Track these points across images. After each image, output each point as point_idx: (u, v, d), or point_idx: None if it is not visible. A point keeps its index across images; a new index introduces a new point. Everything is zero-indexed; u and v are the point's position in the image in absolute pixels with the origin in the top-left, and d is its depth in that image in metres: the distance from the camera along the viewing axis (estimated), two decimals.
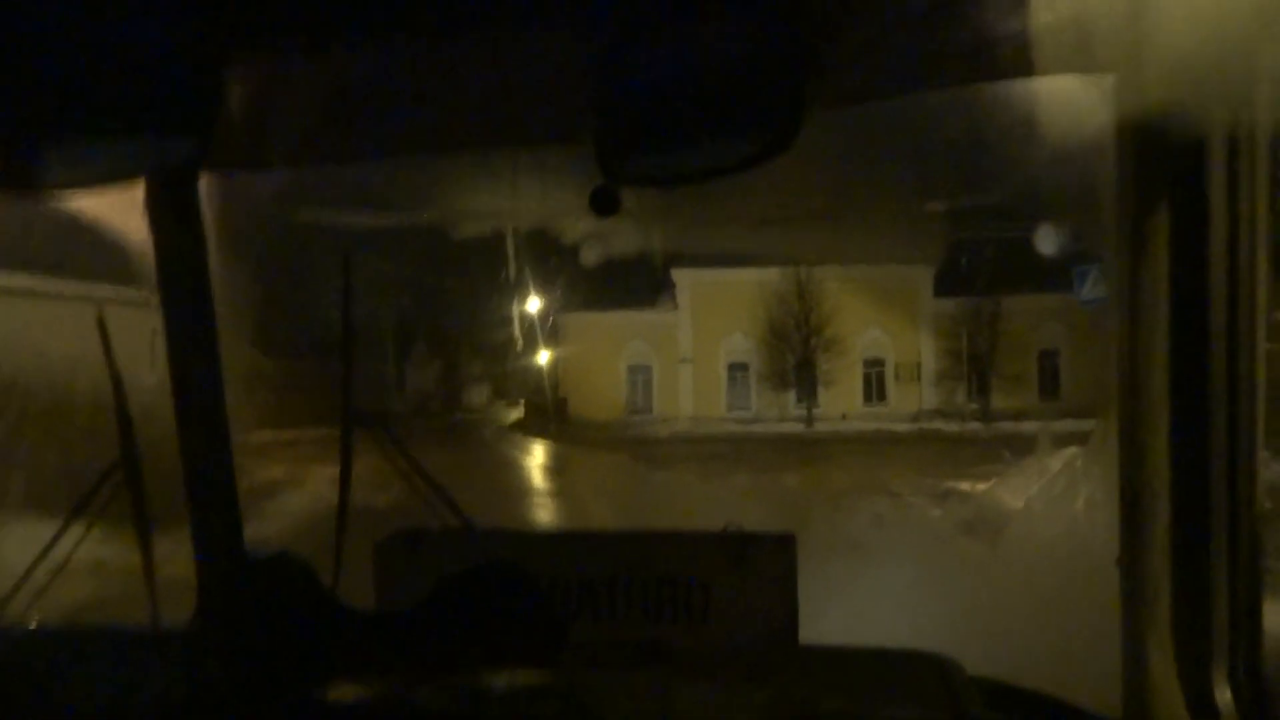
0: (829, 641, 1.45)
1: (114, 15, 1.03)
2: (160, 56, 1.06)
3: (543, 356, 30.72)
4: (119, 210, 1.65)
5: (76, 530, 1.65)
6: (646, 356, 31.10)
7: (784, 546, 1.44)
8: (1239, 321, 1.01)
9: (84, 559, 1.67)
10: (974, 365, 29.14)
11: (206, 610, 1.48)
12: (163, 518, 1.67)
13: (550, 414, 28.58)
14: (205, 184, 1.55)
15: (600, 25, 1.09)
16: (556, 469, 18.73)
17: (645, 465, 16.75)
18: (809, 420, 28.58)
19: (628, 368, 31.02)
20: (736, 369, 30.92)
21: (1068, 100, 1.17)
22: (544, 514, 12.44)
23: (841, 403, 29.67)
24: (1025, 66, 1.13)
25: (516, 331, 27.23)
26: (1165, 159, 1.04)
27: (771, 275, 28.08)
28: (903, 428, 26.21)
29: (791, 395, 30.00)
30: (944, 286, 29.00)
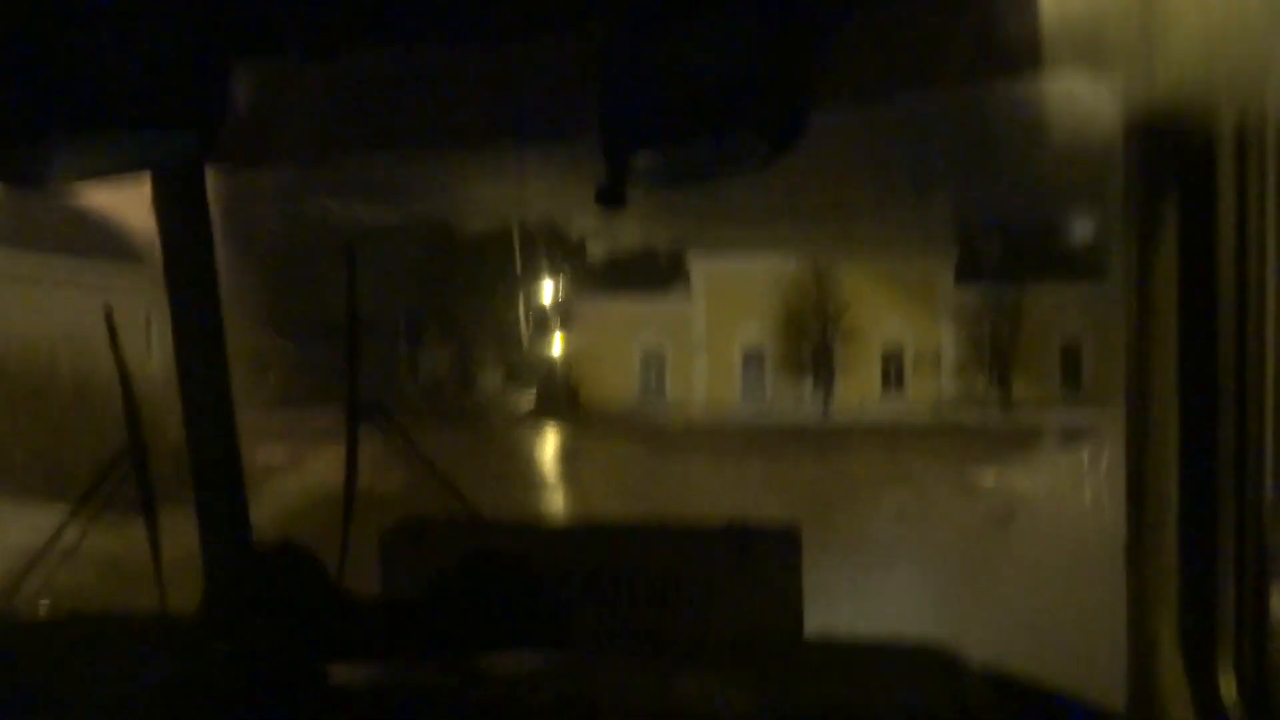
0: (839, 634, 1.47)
1: (120, 12, 1.05)
2: (166, 53, 1.08)
3: (555, 344, 30.78)
4: (112, 192, 1.68)
5: (83, 517, 1.68)
6: (660, 344, 31.06)
7: (789, 538, 1.46)
8: (1248, 315, 1.02)
9: (91, 546, 1.71)
10: (995, 354, 28.97)
11: (213, 597, 1.52)
12: (169, 504, 1.70)
13: (562, 401, 28.64)
14: (212, 177, 1.58)
15: (605, 24, 1.10)
16: (567, 458, 18.75)
17: (657, 455, 16.63)
18: (825, 410, 28.51)
19: (641, 355, 31.01)
20: (751, 357, 30.86)
21: (1077, 96, 1.18)
22: (553, 505, 12.46)
23: (859, 392, 29.55)
24: (1034, 63, 1.14)
25: (529, 319, 27.28)
26: (1174, 154, 1.05)
27: (788, 263, 27.98)
28: (922, 418, 26.12)
29: (808, 384, 29.92)
30: (965, 274, 28.83)
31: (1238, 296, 1.02)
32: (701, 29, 1.06)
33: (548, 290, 27.98)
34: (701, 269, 29.97)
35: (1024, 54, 1.14)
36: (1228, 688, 1.03)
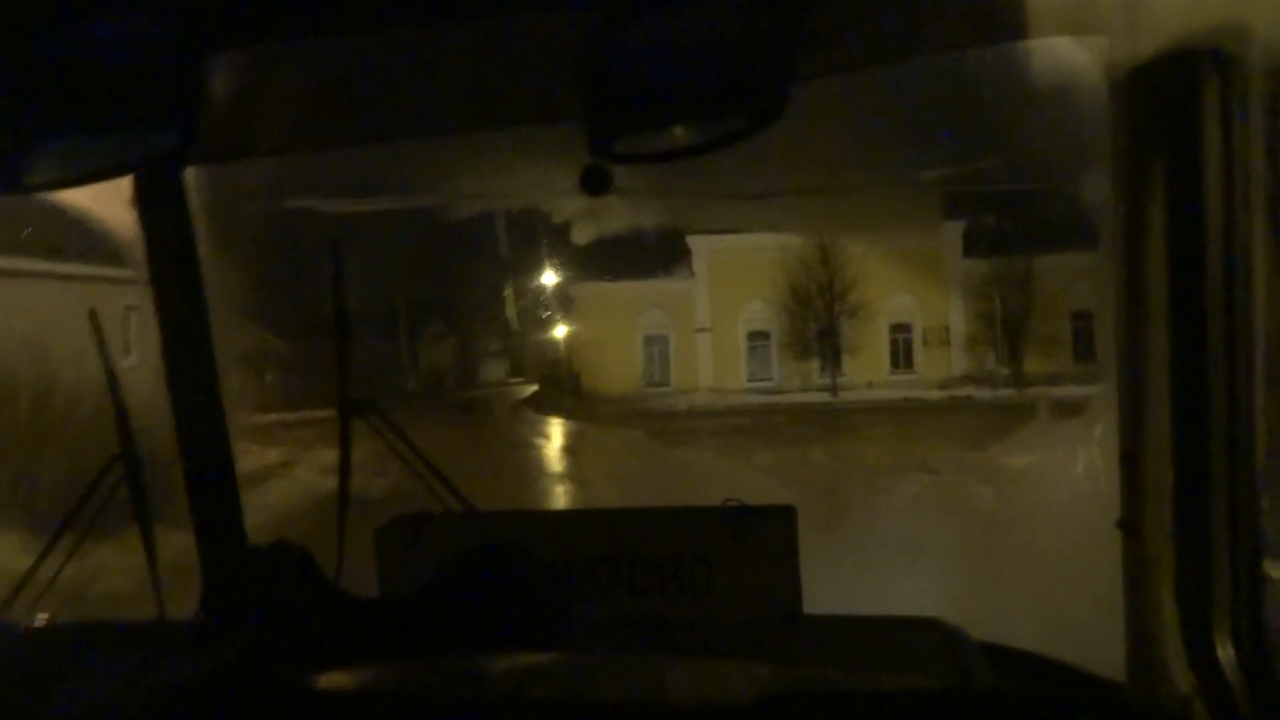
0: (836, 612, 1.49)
1: (94, 8, 1.06)
2: (142, 49, 1.09)
3: (556, 329, 30.81)
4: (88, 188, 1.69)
5: (79, 524, 1.70)
6: (663, 326, 31.08)
7: (785, 519, 1.48)
8: (1236, 280, 1.03)
9: (86, 553, 1.72)
10: (1005, 328, 28.93)
11: (209, 600, 1.54)
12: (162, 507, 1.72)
13: (564, 388, 28.69)
14: (194, 173, 1.58)
15: (586, 4, 1.11)
16: (569, 447, 18.71)
17: (662, 442, 16.53)
18: (834, 389, 28.52)
19: (643, 339, 31.03)
20: (757, 337, 30.87)
21: (1062, 60, 1.18)
22: (557, 495, 12.42)
23: (868, 370, 29.57)
24: (1019, 28, 1.15)
25: (529, 305, 27.30)
26: (1159, 117, 1.06)
27: (792, 239, 27.92)
28: (932, 395, 26.13)
29: (815, 364, 29.93)
30: (973, 247, 28.76)
31: (1225, 259, 1.03)
32: (684, 9, 1.07)
33: (546, 276, 27.98)
34: (703, 248, 29.94)
35: (1008, 20, 1.15)
36: (1225, 652, 1.05)
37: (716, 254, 30.07)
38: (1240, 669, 1.04)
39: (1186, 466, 1.06)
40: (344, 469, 1.77)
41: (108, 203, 1.69)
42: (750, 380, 30.17)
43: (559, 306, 29.77)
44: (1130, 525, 1.13)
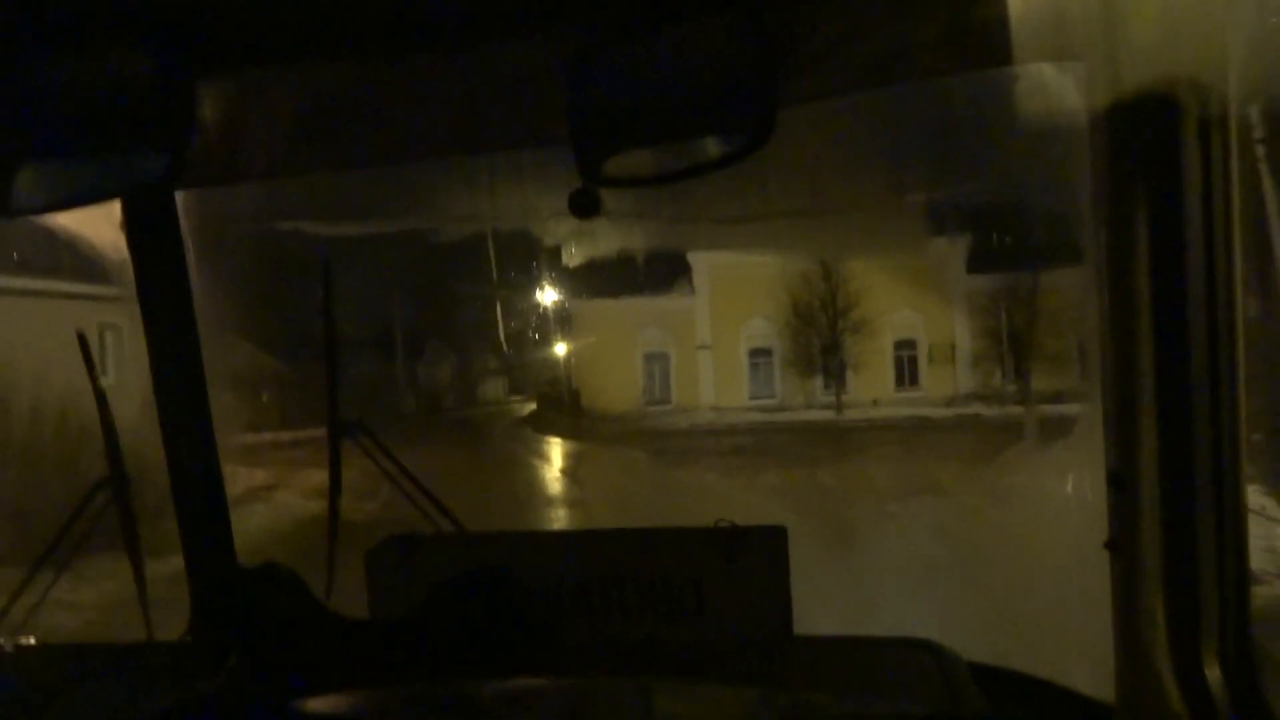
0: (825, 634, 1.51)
1: (85, 39, 1.09)
2: (131, 77, 1.13)
3: (555, 347, 30.82)
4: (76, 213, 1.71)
5: (66, 546, 1.72)
6: (663, 344, 31.09)
7: (775, 540, 1.50)
8: (1218, 301, 1.06)
9: (75, 574, 1.74)
10: (1012, 345, 28.91)
11: (198, 621, 1.56)
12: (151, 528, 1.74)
13: (563, 407, 28.65)
14: (184, 198, 1.62)
15: (573, 30, 1.15)
16: (567, 468, 18.60)
17: (663, 463, 16.41)
18: (838, 407, 28.51)
19: (644, 356, 31.04)
20: (759, 355, 30.88)
21: (1042, 87, 1.22)
22: (554, 516, 12.29)
23: (872, 388, 29.56)
24: (999, 55, 1.19)
25: (527, 324, 27.31)
26: (1139, 143, 1.09)
27: (794, 256, 27.92)
28: (938, 413, 26.13)
29: (818, 381, 29.92)
30: (978, 262, 28.79)
31: (1207, 281, 1.06)
32: (670, 35, 1.11)
33: (544, 294, 28.00)
34: (704, 264, 29.99)
35: (988, 48, 1.18)
36: (1212, 672, 1.07)
37: (717, 270, 30.11)
38: (1228, 690, 1.07)
39: (1174, 488, 1.09)
40: (334, 490, 1.80)
41: (93, 222, 1.72)
42: (753, 398, 30.15)
43: (557, 324, 29.82)
44: (1118, 546, 1.15)
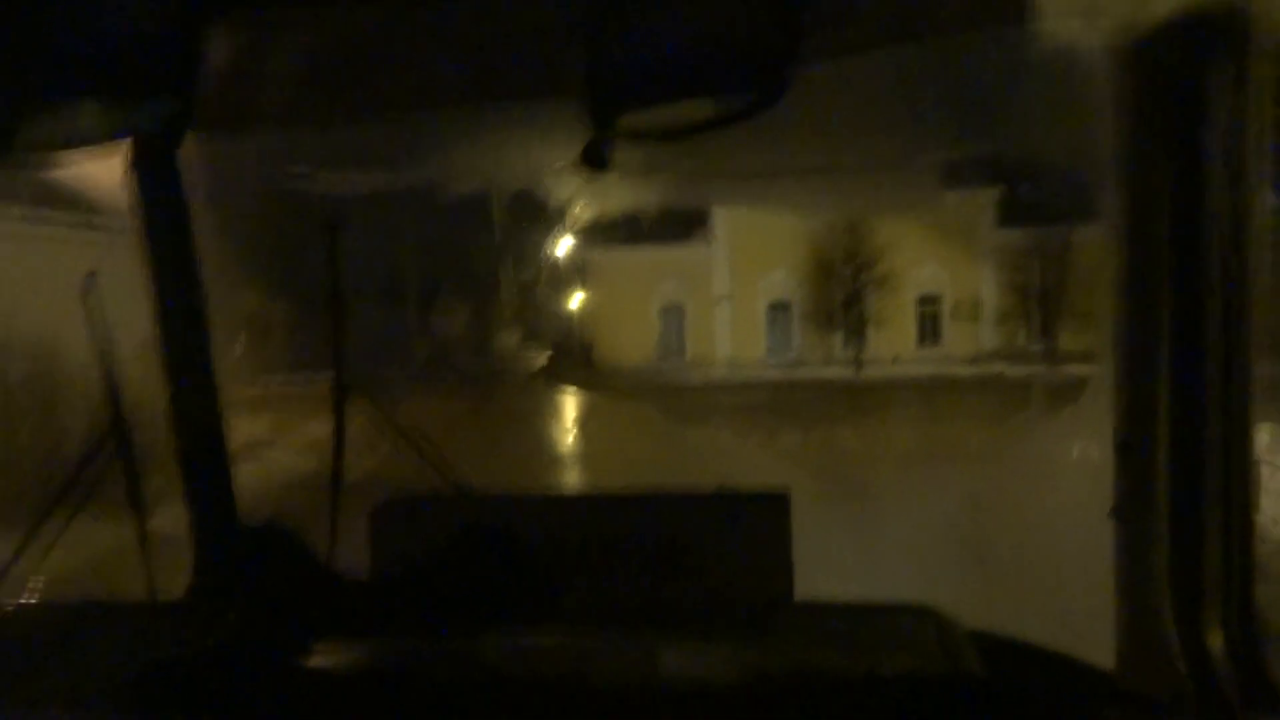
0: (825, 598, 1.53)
1: None
2: (142, 18, 1.13)
3: (569, 298, 30.77)
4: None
5: (70, 499, 1.75)
6: (679, 296, 30.99)
7: (776, 503, 1.52)
8: (1237, 266, 1.06)
9: (77, 529, 1.78)
10: (1040, 302, 28.64)
11: (200, 578, 1.59)
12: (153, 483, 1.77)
13: (576, 360, 28.70)
14: (191, 146, 1.62)
15: None
16: (581, 422, 18.63)
17: (677, 421, 16.28)
18: (858, 364, 28.42)
19: (659, 309, 30.97)
20: (777, 308, 30.76)
21: (1066, 41, 1.20)
22: (566, 474, 12.26)
23: (893, 344, 29.40)
24: (1021, 8, 1.17)
25: (542, 273, 27.27)
26: (1163, 97, 1.09)
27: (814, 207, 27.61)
28: (961, 371, 26.00)
29: (838, 337, 29.80)
30: (1008, 215, 28.46)
31: (1227, 245, 1.06)
32: None
33: (562, 243, 27.89)
34: (724, 216, 29.73)
35: (1011, 2, 1.17)
36: (1215, 641, 1.09)
37: (736, 220, 29.85)
38: (1231, 658, 1.08)
39: (1181, 456, 1.10)
40: (338, 447, 1.82)
41: (96, 167, 1.72)
42: (770, 353, 30.08)
43: (573, 274, 29.76)
44: (1124, 513, 1.16)
